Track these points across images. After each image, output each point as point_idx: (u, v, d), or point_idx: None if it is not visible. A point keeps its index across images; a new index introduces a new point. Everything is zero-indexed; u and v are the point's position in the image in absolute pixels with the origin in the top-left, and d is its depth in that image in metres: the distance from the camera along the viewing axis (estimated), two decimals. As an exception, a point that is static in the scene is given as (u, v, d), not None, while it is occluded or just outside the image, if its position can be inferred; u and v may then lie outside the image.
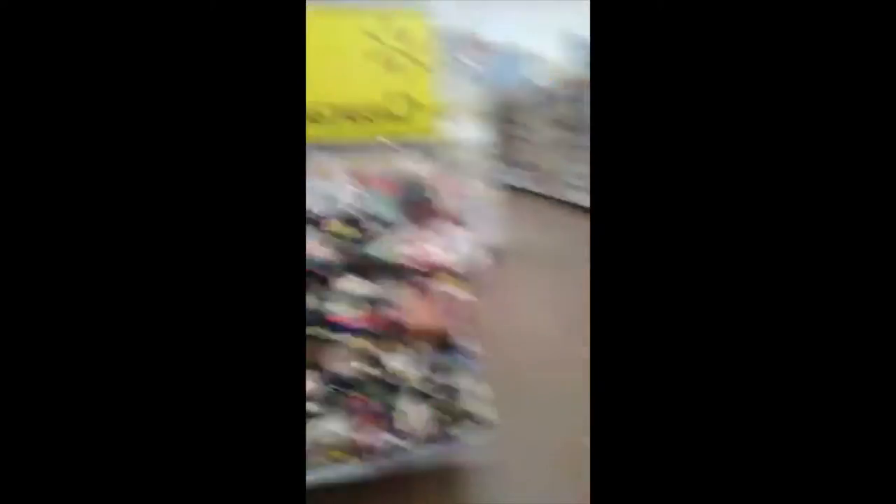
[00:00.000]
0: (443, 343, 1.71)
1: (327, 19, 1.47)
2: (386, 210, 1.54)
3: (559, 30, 9.10)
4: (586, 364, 2.67)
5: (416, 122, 1.58)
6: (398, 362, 1.59)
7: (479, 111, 3.33)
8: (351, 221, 1.48)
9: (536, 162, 7.58)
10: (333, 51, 1.47)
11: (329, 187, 1.37)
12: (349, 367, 1.52)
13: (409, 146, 1.61)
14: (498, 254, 3.96)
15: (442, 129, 1.65)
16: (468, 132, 3.22)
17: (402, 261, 1.55)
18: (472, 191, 3.14)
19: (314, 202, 1.38)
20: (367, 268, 1.54)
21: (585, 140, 5.97)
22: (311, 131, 1.48)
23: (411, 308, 1.57)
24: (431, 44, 1.56)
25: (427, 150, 1.62)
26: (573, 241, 5.22)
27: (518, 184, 8.01)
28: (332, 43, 1.47)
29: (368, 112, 1.52)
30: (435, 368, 1.68)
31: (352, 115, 1.50)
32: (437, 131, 1.64)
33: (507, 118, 8.25)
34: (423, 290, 1.60)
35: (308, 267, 1.41)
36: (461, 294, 1.63)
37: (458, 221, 1.65)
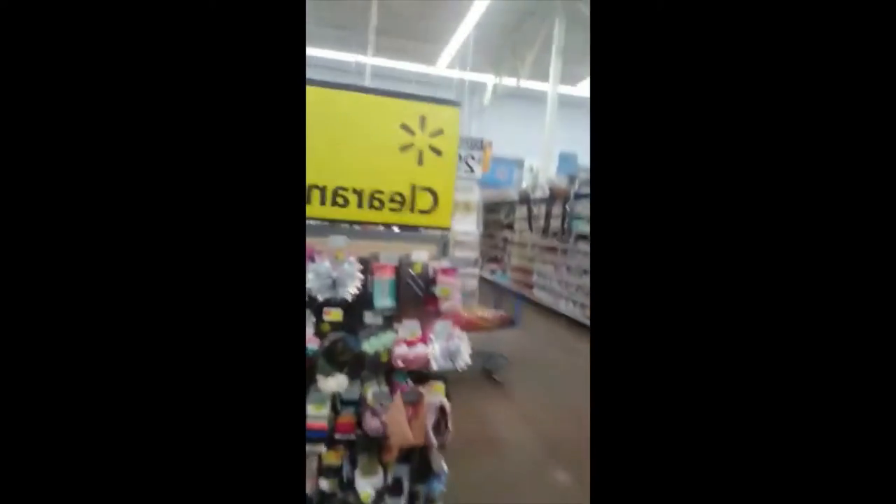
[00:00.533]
0: (424, 465, 1.47)
1: (364, 106, 1.46)
2: (388, 302, 1.40)
3: (554, 147, 9.87)
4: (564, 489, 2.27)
5: (435, 215, 1.52)
6: (370, 485, 1.33)
7: (477, 209, 3.39)
8: (350, 310, 1.32)
9: (515, 262, 7.70)
10: (365, 138, 1.44)
11: (337, 271, 1.23)
12: (315, 485, 1.25)
13: (422, 238, 1.54)
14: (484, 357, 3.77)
15: (452, 224, 1.62)
16: (467, 229, 3.23)
17: (396, 361, 1.37)
18: (465, 287, 3.07)
19: (319, 288, 1.23)
20: (356, 365, 1.35)
21: (565, 245, 6.17)
22: (333, 214, 1.43)
23: (395, 420, 1.36)
24: (456, 142, 1.56)
25: (438, 243, 1.56)
26: (552, 347, 5.09)
27: (496, 281, 8.03)
28: (365, 130, 1.44)
29: (392, 201, 1.46)
30: (411, 498, 1.42)
31: (374, 203, 1.44)
32: (450, 226, 1.60)
33: (496, 220, 8.53)
34: (412, 401, 1.40)
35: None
36: (448, 404, 1.45)
37: (458, 322, 1.51)
